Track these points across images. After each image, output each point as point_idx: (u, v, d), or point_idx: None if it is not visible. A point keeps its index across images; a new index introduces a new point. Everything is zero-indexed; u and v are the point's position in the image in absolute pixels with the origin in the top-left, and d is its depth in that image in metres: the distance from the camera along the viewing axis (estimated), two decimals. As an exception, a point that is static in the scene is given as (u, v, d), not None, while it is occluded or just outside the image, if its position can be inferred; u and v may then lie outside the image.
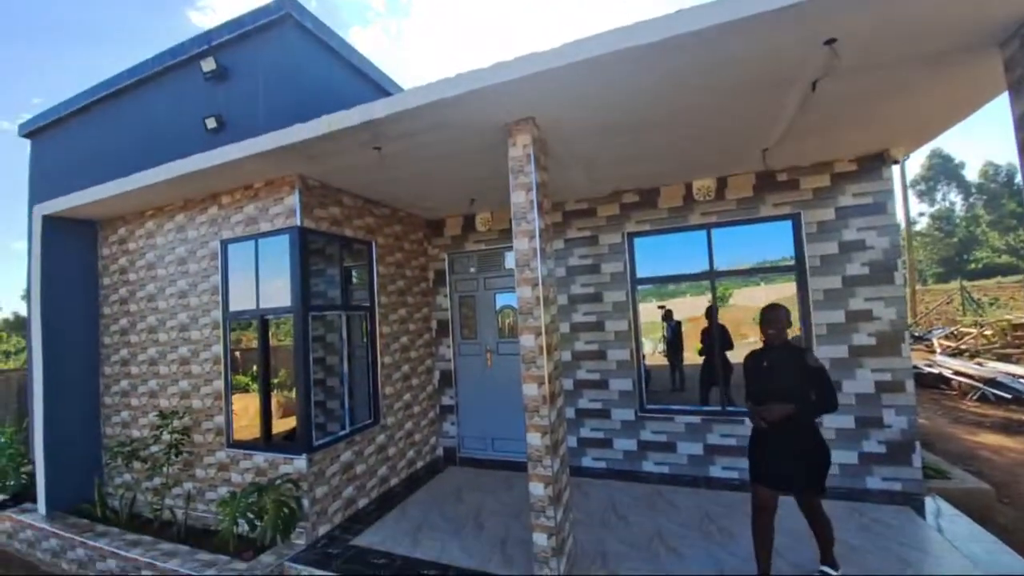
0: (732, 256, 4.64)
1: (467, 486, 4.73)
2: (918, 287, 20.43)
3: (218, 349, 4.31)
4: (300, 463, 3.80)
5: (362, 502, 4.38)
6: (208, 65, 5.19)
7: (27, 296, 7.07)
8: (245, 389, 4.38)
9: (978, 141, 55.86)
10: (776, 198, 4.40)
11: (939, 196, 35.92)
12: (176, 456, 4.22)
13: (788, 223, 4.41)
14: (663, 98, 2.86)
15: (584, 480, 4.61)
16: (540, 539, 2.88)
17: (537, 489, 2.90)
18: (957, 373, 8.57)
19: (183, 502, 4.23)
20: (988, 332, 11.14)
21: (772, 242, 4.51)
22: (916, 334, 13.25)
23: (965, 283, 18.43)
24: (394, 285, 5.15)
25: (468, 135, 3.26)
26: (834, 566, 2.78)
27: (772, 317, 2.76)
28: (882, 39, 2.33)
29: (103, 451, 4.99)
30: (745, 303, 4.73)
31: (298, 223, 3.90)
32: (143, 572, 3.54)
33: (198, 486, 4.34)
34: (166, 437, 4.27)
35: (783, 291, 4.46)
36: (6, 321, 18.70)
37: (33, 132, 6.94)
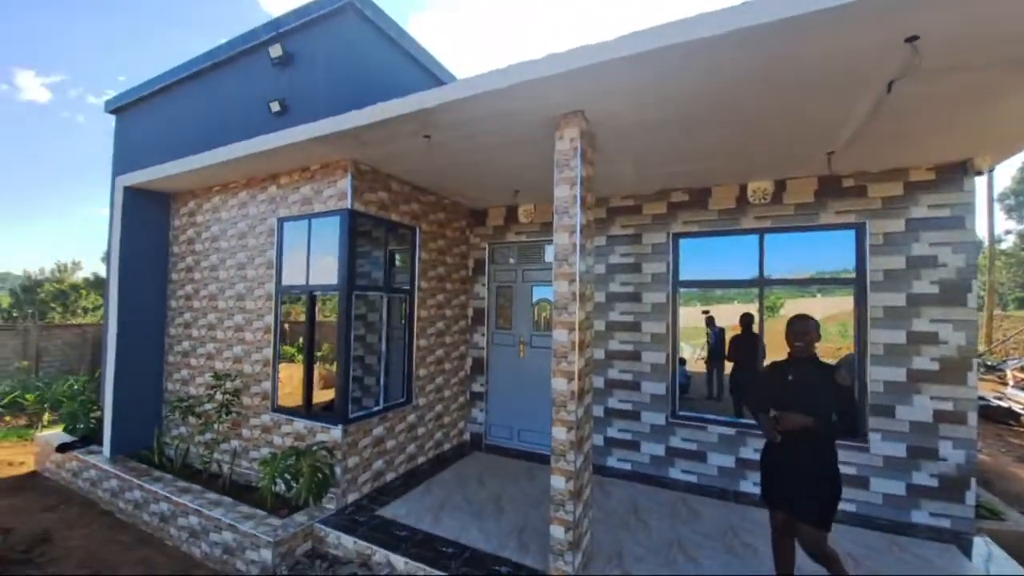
0: (785, 264, 4.40)
1: (490, 472, 4.82)
2: (997, 311, 18.51)
3: (270, 319, 4.60)
4: (336, 432, 4.01)
5: (389, 476, 4.57)
6: (275, 51, 5.46)
7: (107, 258, 7.80)
8: (291, 359, 4.67)
9: None
10: (840, 205, 4.12)
11: (1031, 212, 32.20)
12: (226, 415, 4.56)
13: (851, 232, 4.12)
14: (720, 96, 2.74)
15: (607, 480, 4.58)
16: (557, 532, 2.90)
17: (558, 483, 2.91)
18: (1033, 409, 7.76)
19: (229, 457, 4.58)
20: (1076, 367, 9.98)
21: (831, 252, 4.24)
22: (989, 363, 12.07)
23: (1055, 311, 16.49)
24: (434, 271, 5.27)
25: (516, 126, 3.26)
26: None
27: (801, 329, 2.60)
28: (970, 39, 2.12)
29: (163, 404, 5.48)
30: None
31: (349, 206, 4.06)
32: (191, 517, 3.88)
33: (244, 444, 4.68)
34: (219, 397, 4.62)
35: (841, 305, 4.19)
36: (86, 280, 20.67)
37: (118, 109, 7.57)
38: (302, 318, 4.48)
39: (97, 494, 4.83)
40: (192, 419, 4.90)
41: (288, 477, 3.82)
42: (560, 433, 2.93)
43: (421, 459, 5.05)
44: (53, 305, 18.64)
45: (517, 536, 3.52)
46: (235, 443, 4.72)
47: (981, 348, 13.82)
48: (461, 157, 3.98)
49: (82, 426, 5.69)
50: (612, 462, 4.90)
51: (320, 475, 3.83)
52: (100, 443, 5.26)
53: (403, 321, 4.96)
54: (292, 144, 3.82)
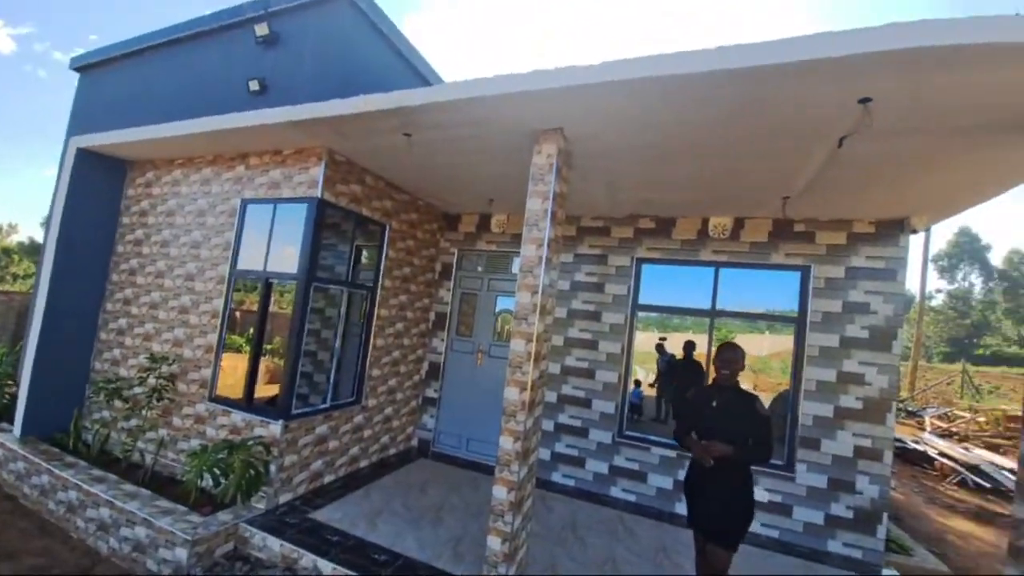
0: (736, 298, 4.64)
1: (434, 480, 4.74)
2: (922, 362, 20.15)
3: (219, 303, 4.38)
4: (275, 428, 3.83)
5: (328, 478, 4.40)
6: (261, 30, 5.34)
7: (47, 222, 7.22)
8: (238, 350, 4.44)
9: (1013, 225, 55.63)
10: (790, 248, 4.41)
11: (960, 275, 35.50)
12: (157, 401, 4.28)
13: (797, 274, 4.42)
14: (693, 130, 2.89)
15: (551, 495, 4.60)
16: (494, 543, 2.88)
17: (500, 492, 2.90)
18: (942, 454, 8.44)
19: (154, 447, 4.28)
20: (982, 419, 10.97)
21: (777, 291, 4.51)
22: (910, 409, 13.06)
23: (969, 367, 18.15)
24: (400, 271, 5.20)
25: (497, 135, 3.32)
26: None
27: (731, 357, 2.67)
28: (918, 106, 2.34)
29: (88, 385, 5.07)
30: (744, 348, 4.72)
31: (319, 195, 3.97)
32: (102, 509, 3.58)
33: (172, 434, 4.39)
34: (151, 381, 4.33)
35: (785, 343, 4.45)
36: (20, 245, 19.04)
37: (84, 67, 7.13)
38: (256, 308, 4.29)
39: (1, 476, 4.38)
40: (118, 403, 4.55)
41: (217, 472, 3.60)
42: (507, 443, 2.93)
43: (364, 463, 4.89)
44: (-20, 269, 17.05)
45: (453, 546, 3.46)
46: (163, 432, 4.42)
47: (904, 395, 14.96)
48: (440, 159, 3.99)
49: (-7, 401, 5.17)
50: (557, 477, 4.93)
51: (253, 472, 3.63)
52: (12, 421, 4.80)
53: (362, 319, 4.84)
54: (268, 125, 3.71)
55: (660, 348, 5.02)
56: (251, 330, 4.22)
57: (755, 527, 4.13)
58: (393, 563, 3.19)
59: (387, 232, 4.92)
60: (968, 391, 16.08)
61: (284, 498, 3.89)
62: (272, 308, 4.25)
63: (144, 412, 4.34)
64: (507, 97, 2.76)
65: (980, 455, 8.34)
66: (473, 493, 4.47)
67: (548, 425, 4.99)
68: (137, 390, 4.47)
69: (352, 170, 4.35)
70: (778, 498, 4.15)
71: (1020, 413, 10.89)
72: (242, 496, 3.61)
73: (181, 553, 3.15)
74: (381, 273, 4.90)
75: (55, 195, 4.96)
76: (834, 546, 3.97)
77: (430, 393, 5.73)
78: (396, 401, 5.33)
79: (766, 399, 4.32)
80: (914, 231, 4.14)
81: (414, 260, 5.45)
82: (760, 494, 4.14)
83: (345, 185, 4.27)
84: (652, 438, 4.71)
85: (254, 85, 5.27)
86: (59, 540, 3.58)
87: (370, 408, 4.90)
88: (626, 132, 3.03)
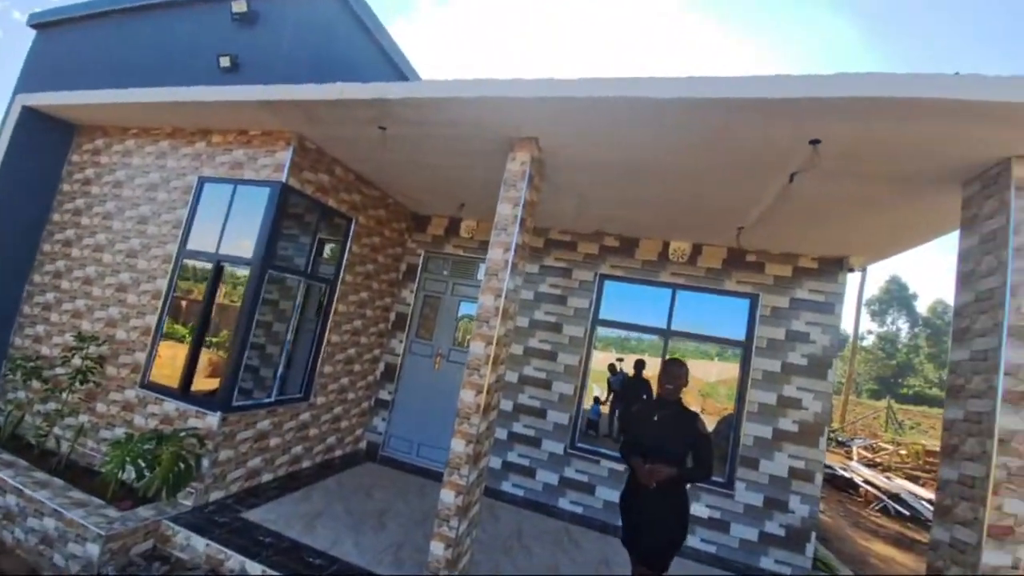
0: (689, 320, 4.84)
1: (380, 485, 4.59)
2: (852, 397, 21.58)
3: (162, 283, 4.11)
4: (212, 420, 3.61)
5: (266, 477, 4.17)
6: (239, 6, 5.17)
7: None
8: (180, 340, 4.15)
9: (938, 275, 61.66)
10: (741, 275, 4.66)
11: (889, 319, 38.55)
12: (81, 384, 3.93)
13: (746, 301, 4.67)
14: (660, 152, 3.02)
15: (499, 504, 4.56)
16: (437, 548, 2.81)
17: (448, 497, 2.85)
18: (866, 482, 9.02)
19: (73, 434, 3.92)
20: (903, 452, 11.83)
21: (727, 316, 4.74)
22: (840, 439, 13.92)
23: (894, 404, 19.61)
24: (363, 267, 5.09)
25: (473, 138, 3.34)
26: None
27: (675, 372, 2.66)
28: (861, 151, 2.56)
29: (4, 361, 4.60)
30: (693, 373, 4.91)
31: (284, 180, 3.84)
32: (8, 496, 3.23)
33: (95, 421, 4.04)
34: (76, 361, 3.99)
35: (733, 371, 4.65)
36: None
37: (42, 24, 6.66)
38: (203, 298, 4.05)
39: None
40: (36, 383, 4.16)
41: (142, 464, 3.33)
42: (459, 445, 2.90)
43: (307, 463, 4.68)
44: None
45: (395, 552, 3.35)
46: (84, 418, 4.06)
47: (835, 425, 15.93)
48: (414, 156, 3.96)
49: None
50: (507, 487, 4.89)
51: (183, 465, 3.40)
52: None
53: (318, 313, 4.68)
54: (238, 102, 3.58)
55: (612, 368, 5.19)
56: (195, 320, 3.98)
57: (694, 542, 4.26)
58: (329, 567, 3.04)
59: (353, 226, 4.81)
60: (892, 426, 17.34)
61: (215, 496, 3.65)
62: (223, 300, 4.04)
63: (65, 395, 3.97)
64: (485, 101, 2.80)
65: (901, 485, 8.97)
66: (420, 500, 4.36)
67: (502, 434, 4.97)
68: (59, 371, 4.09)
69: (322, 159, 4.24)
70: (717, 514, 4.29)
71: (938, 448, 11.84)
72: (168, 491, 3.35)
73: (93, 549, 2.88)
74: (343, 267, 4.77)
75: (-12, 152, 4.54)
76: (766, 563, 4.14)
77: (383, 395, 5.58)
78: (347, 401, 5.15)
79: (711, 421, 4.51)
80: (851, 270, 4.49)
81: (379, 257, 5.34)
82: (701, 510, 4.28)
83: (313, 173, 4.16)
84: (602, 451, 4.78)
85: (225, 61, 5.08)
86: (-54, 532, 3.19)
87: (319, 406, 4.71)
88: (599, 147, 3.13)
